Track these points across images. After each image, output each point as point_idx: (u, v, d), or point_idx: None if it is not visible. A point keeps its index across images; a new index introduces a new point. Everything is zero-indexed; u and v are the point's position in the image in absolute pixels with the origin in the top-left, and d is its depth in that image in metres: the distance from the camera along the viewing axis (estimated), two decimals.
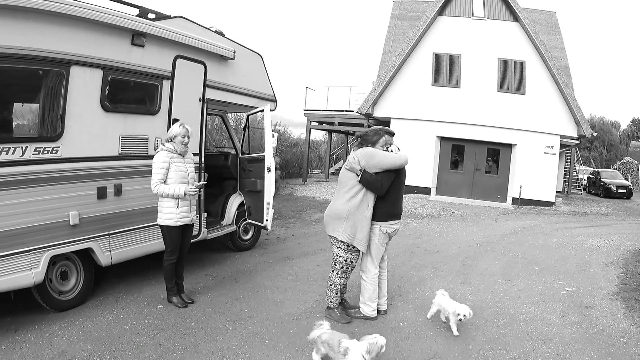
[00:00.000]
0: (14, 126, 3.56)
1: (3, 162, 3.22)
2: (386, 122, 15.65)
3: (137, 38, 4.14)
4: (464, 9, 15.06)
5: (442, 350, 3.51)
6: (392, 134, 4.07)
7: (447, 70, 15.07)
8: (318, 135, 27.76)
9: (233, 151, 6.41)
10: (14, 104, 3.60)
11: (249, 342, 3.49)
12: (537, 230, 9.82)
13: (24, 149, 3.34)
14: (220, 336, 3.57)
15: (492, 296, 4.89)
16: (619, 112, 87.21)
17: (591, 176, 24.32)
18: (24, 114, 3.62)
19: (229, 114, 7.97)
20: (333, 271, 3.98)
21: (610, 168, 32.31)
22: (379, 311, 4.16)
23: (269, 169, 5.40)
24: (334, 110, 18.77)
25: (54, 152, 3.55)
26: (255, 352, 3.34)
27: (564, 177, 21.03)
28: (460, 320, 3.64)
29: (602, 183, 22.08)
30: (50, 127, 3.55)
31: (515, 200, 14.54)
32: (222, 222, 5.77)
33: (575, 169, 24.90)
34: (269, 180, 5.42)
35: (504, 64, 14.73)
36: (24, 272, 3.38)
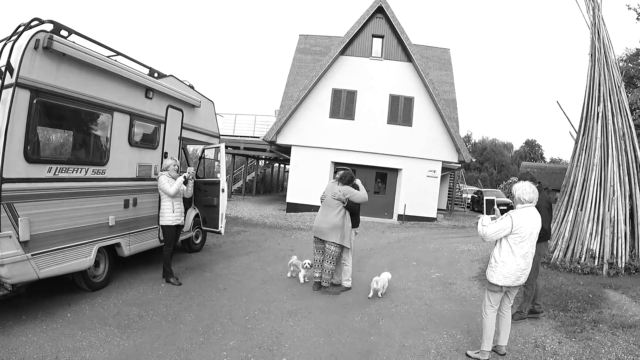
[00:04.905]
0: (81, 154, 5.45)
1: (75, 178, 5.23)
2: (288, 149, 19.06)
3: (149, 92, 6.50)
4: (364, 49, 18.78)
5: (359, 299, 6.47)
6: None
7: (343, 104, 18.62)
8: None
9: None
10: (83, 137, 5.49)
11: (234, 300, 6.10)
12: (418, 240, 13.18)
13: (86, 169, 5.42)
14: (214, 298, 6.12)
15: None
16: (514, 134, 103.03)
17: (475, 195, 29.31)
18: (87, 145, 5.53)
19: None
20: (330, 262, 6.64)
21: (497, 188, 38.69)
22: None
23: (223, 190, 7.88)
24: (240, 136, 22.33)
25: (103, 173, 5.70)
26: (240, 304, 5.93)
27: (448, 196, 25.83)
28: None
29: (484, 201, 26.46)
30: (102, 156, 5.71)
31: (400, 217, 18.56)
32: (183, 229, 8.05)
33: (459, 189, 30.34)
34: (223, 198, 7.90)
35: (394, 99, 18.54)
36: (84, 258, 5.42)
